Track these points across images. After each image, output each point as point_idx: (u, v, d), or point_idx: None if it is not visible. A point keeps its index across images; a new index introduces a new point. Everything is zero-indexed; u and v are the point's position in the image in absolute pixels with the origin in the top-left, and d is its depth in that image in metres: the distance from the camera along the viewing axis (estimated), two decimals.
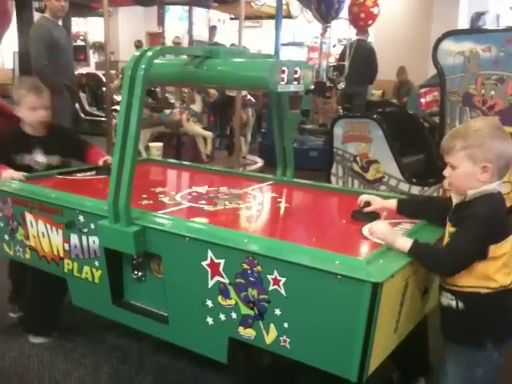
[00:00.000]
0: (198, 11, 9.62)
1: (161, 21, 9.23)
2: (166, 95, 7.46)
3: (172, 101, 6.74)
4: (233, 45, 8.94)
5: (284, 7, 8.46)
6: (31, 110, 2.71)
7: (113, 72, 9.50)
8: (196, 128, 6.24)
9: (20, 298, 2.87)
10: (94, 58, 14.14)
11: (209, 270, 1.85)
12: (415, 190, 3.89)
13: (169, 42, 8.73)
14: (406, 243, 1.71)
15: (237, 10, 9.36)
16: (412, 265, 1.70)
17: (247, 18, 12.09)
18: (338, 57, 8.15)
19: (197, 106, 6.20)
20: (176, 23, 12.03)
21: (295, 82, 2.10)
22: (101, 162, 2.82)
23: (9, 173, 2.62)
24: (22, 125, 2.77)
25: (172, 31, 10.10)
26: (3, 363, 2.50)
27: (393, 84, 9.48)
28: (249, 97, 7.13)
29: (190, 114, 6.17)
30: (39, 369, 2.46)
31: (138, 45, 7.51)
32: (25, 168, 2.72)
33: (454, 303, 1.76)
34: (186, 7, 9.20)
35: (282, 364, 1.84)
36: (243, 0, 5.94)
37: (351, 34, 8.00)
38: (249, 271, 1.74)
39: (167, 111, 6.22)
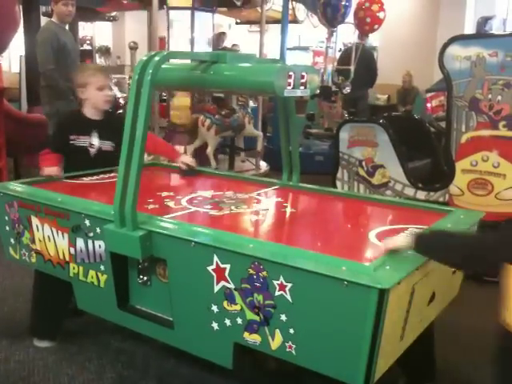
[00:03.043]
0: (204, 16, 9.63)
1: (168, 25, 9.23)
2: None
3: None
4: (234, 45, 8.90)
5: (290, 12, 8.46)
6: (98, 90, 2.85)
7: (119, 76, 9.55)
8: (253, 129, 6.52)
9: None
10: (100, 62, 14.20)
11: (214, 274, 1.84)
12: (421, 195, 3.88)
13: (172, 47, 8.73)
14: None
15: (242, 15, 9.38)
16: (419, 271, 1.69)
17: (253, 22, 12.13)
18: (338, 62, 8.14)
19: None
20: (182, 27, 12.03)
21: (302, 87, 2.10)
22: (182, 165, 3.00)
23: (50, 170, 2.77)
24: (83, 108, 2.93)
25: (178, 35, 10.09)
26: (8, 367, 2.50)
27: (398, 88, 9.47)
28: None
29: (250, 117, 6.37)
30: (44, 373, 2.46)
31: (133, 46, 7.51)
32: (79, 150, 2.87)
33: None
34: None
35: (288, 370, 1.83)
36: (264, 7, 5.95)
37: (356, 38, 8.00)
38: (254, 276, 1.74)
39: (235, 115, 6.27)
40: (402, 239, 1.72)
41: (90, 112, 2.93)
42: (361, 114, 7.11)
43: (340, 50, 9.04)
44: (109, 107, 2.97)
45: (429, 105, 6.28)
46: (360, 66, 7.46)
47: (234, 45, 9.46)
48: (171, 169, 3.23)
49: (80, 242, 2.27)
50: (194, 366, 2.44)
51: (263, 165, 6.99)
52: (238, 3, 7.33)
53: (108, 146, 2.92)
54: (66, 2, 4.69)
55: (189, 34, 6.83)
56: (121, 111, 4.71)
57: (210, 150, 6.01)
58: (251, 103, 6.77)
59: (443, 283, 2.07)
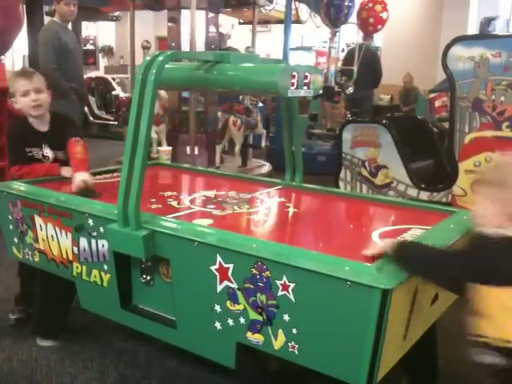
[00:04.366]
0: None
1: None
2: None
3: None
4: (248, 48, 8.92)
5: (293, 12, 8.46)
6: (23, 96, 2.66)
7: (123, 76, 9.56)
8: (261, 127, 6.69)
9: (24, 301, 2.87)
10: (103, 61, 14.23)
11: (217, 274, 1.84)
12: (424, 195, 3.87)
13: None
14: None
15: (246, 15, 9.39)
16: None
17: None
18: (341, 63, 8.14)
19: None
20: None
21: (305, 87, 2.10)
22: (78, 182, 2.54)
23: (66, 170, 2.66)
24: (29, 119, 2.73)
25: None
26: (11, 366, 2.50)
27: (400, 89, 9.48)
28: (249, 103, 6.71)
29: (260, 116, 6.57)
30: (47, 372, 2.46)
31: (146, 45, 7.51)
32: (36, 161, 2.72)
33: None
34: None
35: (290, 370, 1.84)
36: (256, 8, 5.98)
37: (360, 38, 8.01)
38: (258, 276, 1.74)
39: (253, 115, 6.35)
40: (382, 246, 1.72)
41: (34, 122, 2.73)
42: (365, 114, 7.11)
43: (343, 50, 9.04)
44: (40, 112, 2.70)
45: (437, 103, 6.27)
46: (364, 66, 7.46)
47: (247, 47, 9.44)
48: (174, 169, 3.23)
49: (83, 242, 2.28)
50: (197, 365, 2.44)
51: (266, 165, 6.99)
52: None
53: (61, 155, 2.78)
54: (67, 1, 4.70)
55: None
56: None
57: (238, 149, 6.38)
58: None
59: None
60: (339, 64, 8.02)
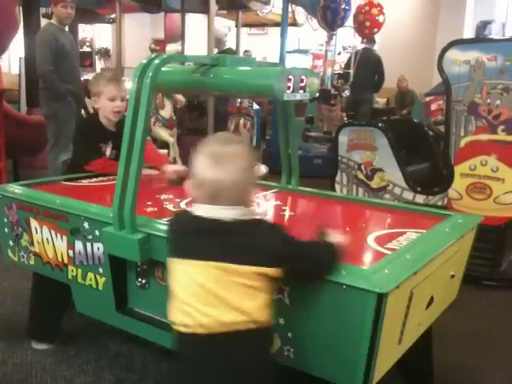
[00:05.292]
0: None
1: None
2: None
3: None
4: (246, 51, 8.95)
5: (290, 15, 8.48)
6: (109, 100, 2.80)
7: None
8: (161, 132, 6.36)
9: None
10: (99, 64, 14.21)
11: None
12: (420, 198, 3.88)
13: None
14: None
15: (242, 18, 9.40)
16: (417, 275, 1.69)
17: (253, 25, 12.16)
18: (343, 65, 8.19)
19: (165, 112, 6.25)
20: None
21: (301, 91, 2.10)
22: (170, 174, 2.84)
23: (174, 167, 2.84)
24: (100, 117, 2.88)
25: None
26: (6, 369, 2.49)
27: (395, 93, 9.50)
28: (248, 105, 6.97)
29: (156, 119, 6.27)
30: (42, 375, 2.46)
31: (154, 48, 7.54)
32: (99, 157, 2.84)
33: None
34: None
35: (286, 374, 1.83)
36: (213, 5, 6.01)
37: (356, 42, 8.03)
38: None
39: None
40: None
41: (105, 121, 2.90)
42: (364, 117, 7.13)
43: (339, 53, 9.07)
44: (118, 118, 2.88)
45: (432, 107, 6.29)
46: (367, 69, 7.48)
47: (245, 51, 9.48)
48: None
49: (79, 245, 2.27)
50: None
51: (262, 167, 6.99)
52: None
53: (113, 154, 2.87)
54: (65, 4, 4.70)
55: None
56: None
57: None
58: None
59: (442, 287, 2.07)
60: (342, 66, 8.06)
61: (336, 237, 1.68)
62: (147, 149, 2.96)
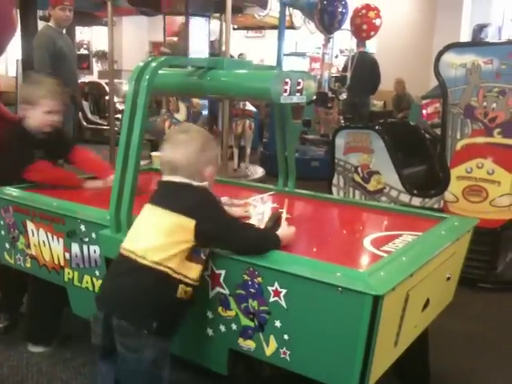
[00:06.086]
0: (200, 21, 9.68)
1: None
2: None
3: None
4: (241, 55, 8.97)
5: (287, 18, 8.49)
6: (46, 114, 2.64)
7: (116, 81, 9.56)
8: None
9: (9, 307, 2.86)
10: (97, 66, 14.22)
11: (209, 280, 1.84)
12: (416, 201, 3.89)
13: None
14: None
15: (240, 21, 9.42)
16: (413, 277, 1.70)
17: (250, 28, 12.17)
18: (340, 68, 8.21)
19: (180, 115, 6.24)
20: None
21: (298, 94, 2.11)
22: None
23: (92, 183, 2.69)
24: (26, 124, 2.68)
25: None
26: (2, 372, 2.49)
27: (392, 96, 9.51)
28: (250, 107, 7.10)
29: (171, 122, 6.22)
30: (38, 378, 2.45)
31: (163, 51, 7.55)
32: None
33: None
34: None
35: (282, 376, 1.83)
36: (229, 9, 6.03)
37: (353, 45, 8.05)
38: (249, 282, 1.74)
39: (152, 119, 6.24)
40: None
41: (33, 129, 2.68)
42: (363, 120, 7.14)
43: (337, 56, 9.08)
44: (50, 130, 2.70)
45: (424, 111, 6.31)
46: (364, 72, 7.49)
47: (240, 54, 9.50)
48: None
49: (75, 247, 2.27)
50: (189, 372, 2.43)
51: (259, 170, 7.01)
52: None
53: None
54: (63, 6, 4.70)
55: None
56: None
57: (249, 151, 6.80)
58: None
59: (437, 289, 2.08)
60: (339, 69, 8.09)
61: (283, 227, 1.92)
62: (88, 157, 2.85)
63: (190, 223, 1.72)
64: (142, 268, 1.73)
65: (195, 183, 1.83)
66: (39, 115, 2.64)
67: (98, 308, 1.82)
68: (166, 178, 1.87)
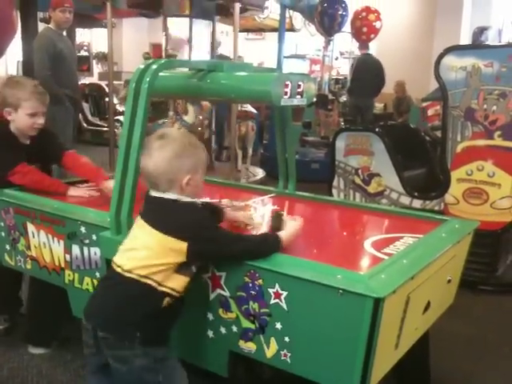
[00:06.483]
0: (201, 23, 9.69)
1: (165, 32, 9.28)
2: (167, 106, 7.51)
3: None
4: (240, 57, 8.98)
5: (287, 20, 8.51)
6: (30, 116, 2.54)
7: (116, 83, 9.56)
8: None
9: (7, 308, 2.86)
10: (97, 68, 14.23)
11: (210, 282, 1.84)
12: (416, 203, 3.89)
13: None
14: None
15: (240, 23, 9.44)
16: (414, 280, 1.70)
17: (250, 30, 12.18)
18: (342, 71, 8.23)
19: (189, 117, 6.25)
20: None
21: (298, 96, 2.11)
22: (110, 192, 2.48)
23: (75, 190, 2.59)
24: (11, 128, 2.58)
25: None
26: (2, 374, 2.49)
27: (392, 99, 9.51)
28: (250, 109, 7.16)
29: (180, 125, 6.23)
30: (38, 380, 2.45)
31: (148, 57, 7.56)
32: None
33: None
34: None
35: (283, 378, 1.83)
36: (237, 12, 6.06)
37: (354, 47, 8.07)
38: (250, 284, 1.74)
39: (160, 121, 6.25)
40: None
41: (17, 133, 2.61)
42: (366, 122, 7.15)
43: (337, 58, 9.09)
44: (35, 133, 2.62)
45: (424, 114, 6.31)
46: (369, 75, 7.50)
47: (238, 56, 9.51)
48: None
49: (76, 249, 2.27)
50: (190, 374, 2.42)
51: (259, 172, 7.02)
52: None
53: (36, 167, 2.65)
54: (63, 8, 4.71)
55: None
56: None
57: (251, 152, 6.94)
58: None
59: (438, 292, 2.08)
60: (339, 71, 8.11)
61: (291, 222, 1.92)
62: (81, 163, 2.73)
63: (181, 245, 1.68)
64: (127, 281, 1.71)
65: (180, 198, 1.74)
66: (22, 118, 2.54)
67: (85, 320, 1.78)
68: (150, 192, 1.80)
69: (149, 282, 1.69)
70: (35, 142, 2.66)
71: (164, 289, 1.70)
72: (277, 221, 1.95)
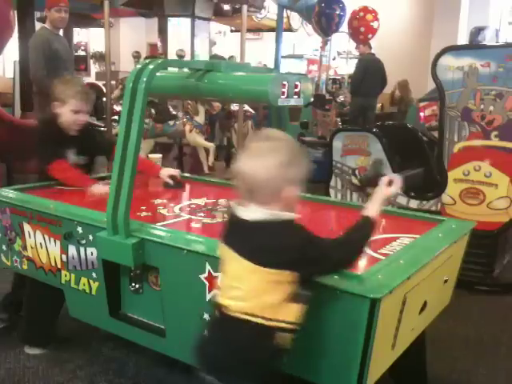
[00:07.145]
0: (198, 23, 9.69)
1: (162, 32, 9.27)
2: (168, 107, 7.52)
3: (174, 112, 6.82)
4: (231, 57, 9.01)
5: (284, 20, 8.52)
6: (74, 113, 2.74)
7: (113, 82, 9.56)
8: (198, 139, 6.35)
9: (11, 309, 2.85)
10: (94, 68, 14.21)
11: (206, 283, 1.84)
12: (413, 203, 3.89)
13: (172, 54, 8.76)
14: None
15: (237, 23, 9.45)
16: (411, 280, 1.70)
17: (248, 30, 12.18)
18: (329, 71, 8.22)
19: (200, 118, 6.26)
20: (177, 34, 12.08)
21: (295, 96, 2.11)
22: (167, 179, 2.83)
23: (98, 188, 2.62)
24: (59, 121, 2.78)
25: (174, 42, 10.14)
26: None
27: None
28: (246, 108, 7.21)
29: (193, 125, 6.24)
30: (34, 380, 2.44)
31: (136, 56, 7.56)
32: None
33: None
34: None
35: (280, 378, 1.83)
36: (245, 14, 6.06)
37: (351, 47, 8.08)
38: None
39: (171, 122, 6.27)
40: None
41: (65, 126, 2.79)
42: (369, 122, 7.14)
43: (334, 58, 9.09)
44: (79, 128, 2.80)
45: (422, 114, 6.32)
46: (376, 74, 7.48)
47: (230, 56, 9.54)
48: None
49: (72, 249, 2.27)
50: (186, 374, 2.42)
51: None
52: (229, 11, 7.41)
53: (83, 160, 2.84)
54: (59, 8, 4.71)
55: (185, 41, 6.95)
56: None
57: None
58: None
59: (435, 292, 2.08)
60: (331, 72, 8.11)
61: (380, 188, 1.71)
62: (140, 159, 2.94)
63: (290, 276, 1.48)
64: (231, 321, 1.51)
65: (278, 216, 1.50)
66: (67, 113, 2.74)
67: (196, 365, 1.62)
68: (239, 211, 1.55)
69: (254, 319, 1.48)
70: (84, 134, 2.84)
71: (274, 323, 1.49)
72: (378, 167, 1.74)
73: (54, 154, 2.71)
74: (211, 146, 6.43)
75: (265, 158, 1.49)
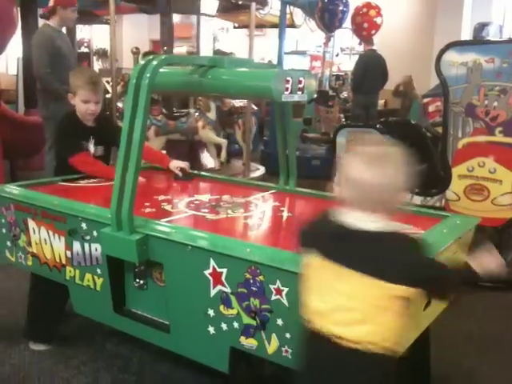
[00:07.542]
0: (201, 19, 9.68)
1: (165, 29, 9.25)
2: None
3: (182, 110, 6.82)
4: (230, 54, 9.00)
5: (287, 16, 8.49)
6: (83, 103, 2.82)
7: None
8: (211, 135, 6.37)
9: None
10: (97, 64, 14.21)
11: (211, 279, 1.84)
12: (417, 200, 3.88)
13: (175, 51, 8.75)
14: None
15: (240, 19, 9.43)
16: None
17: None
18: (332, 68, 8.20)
19: (212, 114, 6.27)
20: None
21: (299, 92, 2.11)
22: (176, 171, 2.95)
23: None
24: (77, 112, 2.87)
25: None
26: (3, 370, 2.49)
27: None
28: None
29: (206, 122, 6.25)
30: (39, 376, 2.45)
31: (136, 52, 7.54)
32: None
33: None
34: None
35: (284, 374, 1.83)
36: (253, 11, 6.06)
37: (354, 43, 8.06)
38: (251, 281, 1.74)
39: (183, 119, 6.26)
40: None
41: (81, 117, 2.89)
42: (373, 119, 7.12)
43: (337, 54, 9.07)
44: (92, 118, 2.89)
45: (430, 108, 6.29)
46: (377, 71, 7.46)
47: (230, 53, 9.54)
48: (169, 172, 3.22)
49: (76, 245, 2.27)
50: (190, 370, 2.43)
51: (260, 168, 7.02)
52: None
53: (100, 150, 2.94)
54: (75, 8, 4.75)
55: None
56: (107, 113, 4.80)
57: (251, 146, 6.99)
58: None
59: None
60: (334, 68, 8.08)
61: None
62: (149, 150, 3.05)
63: (408, 291, 1.38)
64: (340, 350, 1.37)
65: (397, 228, 1.43)
66: (78, 103, 2.84)
67: None
68: (356, 221, 1.42)
69: (367, 347, 1.36)
70: (101, 124, 2.93)
71: (387, 351, 1.38)
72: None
73: (75, 146, 2.81)
74: (224, 142, 6.44)
75: (385, 165, 1.40)
